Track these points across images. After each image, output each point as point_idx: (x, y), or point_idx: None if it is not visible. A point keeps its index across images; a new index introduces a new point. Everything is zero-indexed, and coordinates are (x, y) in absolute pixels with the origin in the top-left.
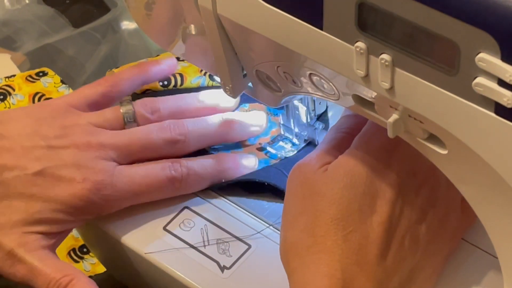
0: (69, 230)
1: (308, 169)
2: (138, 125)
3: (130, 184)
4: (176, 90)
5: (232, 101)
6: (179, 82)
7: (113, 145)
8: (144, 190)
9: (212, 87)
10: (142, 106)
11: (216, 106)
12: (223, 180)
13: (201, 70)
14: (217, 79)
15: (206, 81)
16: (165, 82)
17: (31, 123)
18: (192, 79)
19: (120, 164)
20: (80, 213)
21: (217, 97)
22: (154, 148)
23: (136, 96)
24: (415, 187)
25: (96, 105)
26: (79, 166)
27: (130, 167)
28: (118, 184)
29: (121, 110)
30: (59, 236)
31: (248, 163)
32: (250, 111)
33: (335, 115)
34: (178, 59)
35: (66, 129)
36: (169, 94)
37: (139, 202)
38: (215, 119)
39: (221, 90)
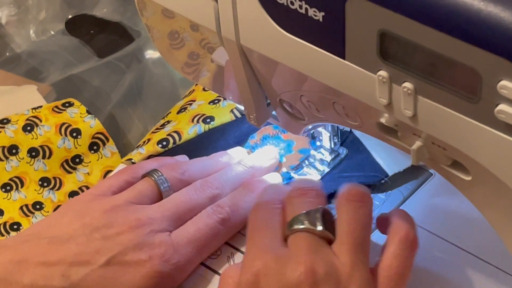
0: None
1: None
2: (173, 190)
3: (190, 243)
4: (177, 147)
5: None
6: (177, 140)
7: (163, 216)
8: (203, 243)
9: (209, 131)
10: (170, 169)
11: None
12: None
13: (193, 119)
14: (241, 107)
15: (202, 127)
16: (164, 143)
17: (74, 218)
18: (188, 131)
19: (171, 231)
20: None
21: (230, 158)
22: (200, 207)
23: None
24: None
25: (120, 190)
26: (140, 246)
27: (181, 229)
28: (180, 249)
29: (154, 179)
30: None
31: (275, 181)
32: (259, 141)
33: (358, 140)
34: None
35: (109, 213)
36: (171, 153)
37: (204, 256)
38: (238, 167)
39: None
